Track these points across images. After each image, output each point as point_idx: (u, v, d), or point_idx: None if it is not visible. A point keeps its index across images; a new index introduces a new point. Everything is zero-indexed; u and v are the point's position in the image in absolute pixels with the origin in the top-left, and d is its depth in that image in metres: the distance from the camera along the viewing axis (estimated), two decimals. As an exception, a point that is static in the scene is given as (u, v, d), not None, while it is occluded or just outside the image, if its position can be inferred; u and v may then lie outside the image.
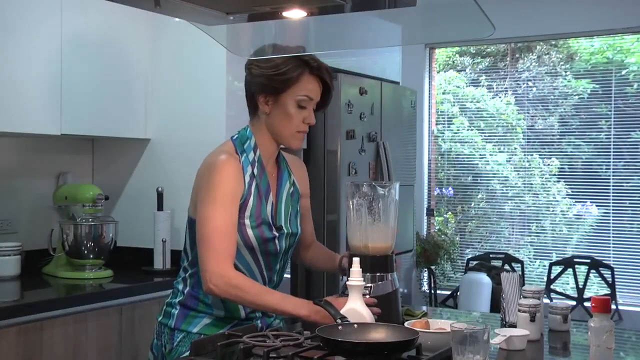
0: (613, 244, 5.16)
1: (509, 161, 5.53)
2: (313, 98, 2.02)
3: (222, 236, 1.91)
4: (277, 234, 2.04)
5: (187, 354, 1.92)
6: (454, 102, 5.74)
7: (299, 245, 2.21)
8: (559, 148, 5.36)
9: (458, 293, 5.12)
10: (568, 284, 5.15)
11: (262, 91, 2.01)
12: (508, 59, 5.60)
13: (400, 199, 4.41)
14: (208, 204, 1.93)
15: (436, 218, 5.80)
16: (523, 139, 5.49)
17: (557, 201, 5.35)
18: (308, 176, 2.27)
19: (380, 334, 1.71)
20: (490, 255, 5.31)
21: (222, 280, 1.89)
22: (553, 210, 5.36)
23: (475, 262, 5.25)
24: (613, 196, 5.16)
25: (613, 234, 5.16)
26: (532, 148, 5.46)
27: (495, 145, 5.59)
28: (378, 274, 1.97)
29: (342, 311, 1.84)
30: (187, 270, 2.07)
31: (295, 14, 1.74)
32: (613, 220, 5.16)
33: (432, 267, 5.43)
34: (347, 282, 1.89)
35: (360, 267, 1.83)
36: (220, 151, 2.02)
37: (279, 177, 2.12)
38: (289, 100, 2.00)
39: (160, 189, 3.26)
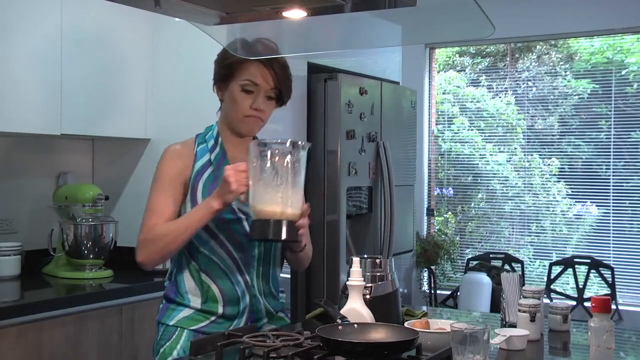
0: (613, 244, 5.15)
1: (509, 161, 5.53)
2: (258, 83, 2.04)
3: (150, 213, 2.02)
4: (242, 216, 2.02)
5: (167, 344, 2.02)
6: (454, 102, 5.74)
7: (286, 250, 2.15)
8: (559, 148, 5.36)
9: (458, 293, 5.12)
10: (568, 284, 5.15)
11: (216, 80, 2.12)
12: (508, 59, 5.60)
13: (400, 199, 4.43)
14: (150, 190, 2.07)
15: (436, 218, 5.80)
16: (523, 139, 5.49)
17: (557, 201, 5.35)
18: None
19: (380, 334, 1.71)
20: (490, 255, 5.31)
21: (140, 244, 2.00)
22: (553, 210, 5.36)
23: (475, 262, 5.25)
24: (613, 196, 5.16)
25: (613, 234, 5.16)
26: (532, 148, 5.46)
27: (495, 145, 5.59)
28: (270, 240, 1.90)
29: (342, 311, 1.85)
30: (171, 270, 2.13)
31: (295, 14, 1.74)
32: (613, 220, 5.16)
33: (432, 267, 5.43)
34: (347, 282, 1.90)
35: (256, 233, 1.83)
36: (174, 147, 2.11)
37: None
38: (235, 86, 2.05)
39: (160, 189, 3.25)
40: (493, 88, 5.62)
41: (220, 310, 2.03)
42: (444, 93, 5.79)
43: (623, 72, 5.12)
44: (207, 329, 2.02)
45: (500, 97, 5.57)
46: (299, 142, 1.82)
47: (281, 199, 1.80)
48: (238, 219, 2.03)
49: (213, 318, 2.03)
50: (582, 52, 5.33)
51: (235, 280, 2.04)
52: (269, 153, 1.80)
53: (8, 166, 3.21)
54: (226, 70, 2.07)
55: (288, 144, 1.81)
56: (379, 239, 4.06)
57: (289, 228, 1.81)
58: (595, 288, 5.05)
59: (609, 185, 5.17)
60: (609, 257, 5.12)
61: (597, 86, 5.22)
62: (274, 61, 2.05)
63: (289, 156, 1.80)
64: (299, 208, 1.85)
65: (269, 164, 1.80)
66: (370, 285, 1.96)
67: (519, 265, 5.18)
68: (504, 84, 5.59)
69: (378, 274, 2.00)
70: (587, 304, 4.76)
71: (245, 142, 2.06)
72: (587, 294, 4.91)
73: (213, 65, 2.13)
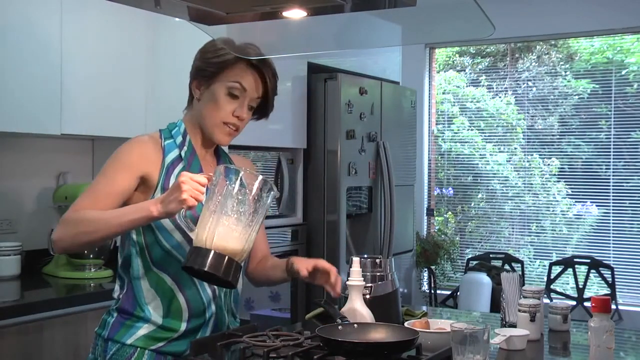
0: (613, 244, 5.15)
1: (509, 161, 5.53)
2: (246, 88, 1.88)
3: (87, 194, 1.81)
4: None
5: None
6: (454, 102, 5.74)
7: (247, 261, 2.03)
8: (559, 148, 5.36)
9: (458, 293, 5.12)
10: (568, 284, 5.15)
11: (196, 76, 1.92)
12: (508, 59, 5.60)
13: (400, 199, 4.43)
14: (100, 171, 1.85)
15: (436, 218, 5.80)
16: (523, 139, 5.49)
17: (557, 201, 5.35)
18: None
19: (380, 334, 1.71)
20: (490, 255, 5.31)
21: (61, 221, 1.79)
22: (553, 210, 5.36)
23: (475, 262, 5.25)
24: (613, 196, 5.16)
25: (613, 234, 5.16)
26: (532, 148, 5.46)
27: (495, 145, 5.59)
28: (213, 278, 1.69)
29: (342, 311, 1.85)
30: (121, 276, 1.92)
31: (295, 14, 1.74)
32: (613, 220, 5.16)
33: (432, 267, 5.43)
34: (347, 282, 1.90)
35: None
36: (136, 137, 1.92)
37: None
38: (220, 87, 1.88)
39: (160, 189, 3.25)
40: (493, 88, 5.62)
41: (183, 326, 1.83)
42: (444, 93, 5.79)
43: (623, 72, 5.12)
44: (167, 349, 1.82)
45: (500, 97, 5.57)
46: (271, 182, 1.69)
47: (234, 233, 1.64)
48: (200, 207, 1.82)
49: (174, 335, 1.83)
50: (582, 52, 5.33)
51: (202, 287, 1.85)
52: (237, 183, 1.65)
53: (8, 166, 3.21)
54: (213, 67, 1.88)
55: (259, 179, 1.67)
56: (379, 239, 4.06)
57: (235, 268, 1.64)
58: (595, 288, 5.05)
59: (609, 185, 5.17)
60: (609, 257, 5.12)
61: (597, 86, 5.22)
62: (268, 68, 1.92)
63: (255, 191, 1.66)
64: (246, 247, 1.67)
65: (234, 193, 1.64)
66: (370, 285, 1.96)
67: (519, 265, 5.18)
68: (504, 84, 5.59)
69: (378, 274, 2.00)
70: (587, 304, 4.76)
71: (213, 146, 1.96)
72: (587, 294, 4.91)
73: (193, 62, 1.95)
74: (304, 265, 1.92)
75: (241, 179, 1.66)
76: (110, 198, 1.80)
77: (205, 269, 1.62)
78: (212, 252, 1.62)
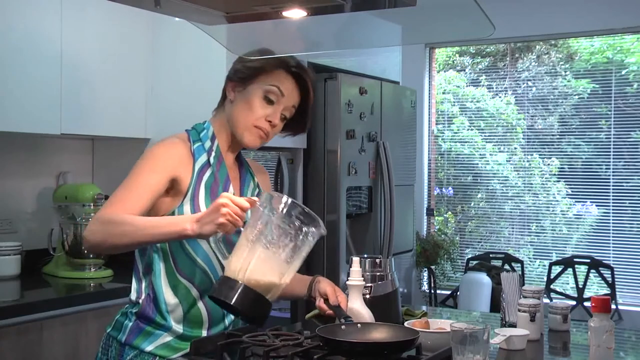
0: (613, 244, 5.15)
1: (509, 161, 5.53)
2: (284, 93, 1.87)
3: (118, 194, 1.74)
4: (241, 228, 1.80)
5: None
6: (454, 102, 5.74)
7: None
8: (559, 148, 5.36)
9: (458, 293, 5.12)
10: (568, 283, 5.15)
11: (233, 78, 1.90)
12: (508, 58, 5.60)
13: (400, 198, 4.43)
14: (133, 170, 1.79)
15: (436, 218, 5.80)
16: (523, 138, 5.49)
17: (557, 201, 5.35)
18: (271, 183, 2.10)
19: (380, 334, 1.71)
20: (490, 255, 5.31)
21: (97, 220, 1.71)
22: (553, 210, 5.36)
23: (475, 262, 5.25)
24: (613, 196, 5.16)
25: (613, 234, 5.16)
26: (532, 148, 5.46)
27: (495, 145, 5.59)
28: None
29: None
30: (140, 280, 1.87)
31: (295, 14, 1.74)
32: (613, 220, 5.16)
33: (432, 267, 5.43)
34: (347, 282, 1.90)
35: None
36: (166, 138, 1.88)
37: (241, 174, 1.96)
38: (256, 89, 1.86)
39: (160, 188, 3.25)
40: (493, 88, 5.62)
41: (203, 334, 1.82)
42: (443, 93, 5.79)
43: (623, 72, 5.12)
44: None
45: (500, 97, 5.57)
46: (319, 220, 1.58)
47: (270, 268, 1.54)
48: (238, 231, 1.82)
49: None
50: (582, 52, 5.33)
51: None
52: (282, 213, 1.54)
53: (8, 166, 3.21)
54: (251, 70, 1.86)
55: (307, 214, 1.56)
56: (379, 239, 4.06)
57: (263, 305, 1.56)
58: (595, 288, 5.05)
59: (609, 185, 5.17)
60: (609, 257, 5.12)
61: (597, 86, 5.22)
62: (308, 78, 1.91)
63: (300, 226, 1.55)
64: (282, 283, 1.58)
65: (277, 224, 1.54)
66: (370, 285, 1.96)
67: (519, 265, 5.18)
68: (504, 84, 5.59)
69: (378, 273, 2.00)
70: (587, 303, 4.76)
71: (237, 151, 1.95)
72: (587, 293, 4.91)
73: (232, 65, 1.94)
74: (326, 288, 1.91)
75: (288, 210, 1.56)
76: (142, 200, 1.74)
77: (231, 303, 1.53)
78: (242, 285, 1.53)
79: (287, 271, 1.58)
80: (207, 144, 1.88)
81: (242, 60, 1.91)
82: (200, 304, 1.82)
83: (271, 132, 1.89)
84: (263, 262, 1.54)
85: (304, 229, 1.56)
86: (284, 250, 1.55)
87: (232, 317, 1.85)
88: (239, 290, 1.53)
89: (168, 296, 1.81)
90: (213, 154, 1.87)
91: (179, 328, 1.81)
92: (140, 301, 1.83)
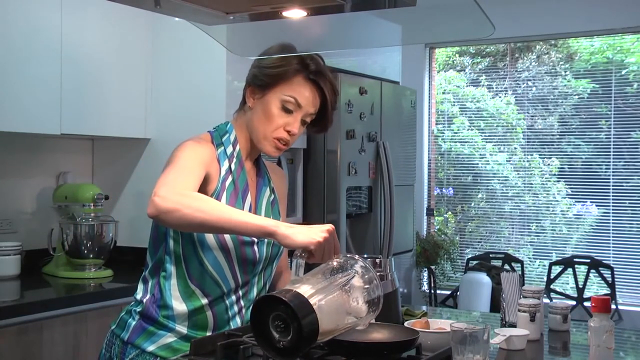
0: (613, 244, 5.16)
1: (509, 161, 5.53)
2: (301, 104, 1.83)
3: (173, 174, 1.67)
4: (256, 239, 1.80)
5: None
6: (454, 102, 5.74)
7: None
8: (559, 148, 5.36)
9: (458, 293, 5.12)
10: (568, 283, 5.15)
11: (252, 83, 1.86)
12: (508, 58, 5.60)
13: (400, 198, 4.43)
14: (165, 169, 1.72)
15: (436, 218, 5.80)
16: (523, 138, 5.49)
17: (557, 201, 5.35)
18: (287, 185, 2.09)
19: (380, 334, 1.71)
20: (490, 255, 5.31)
21: (167, 188, 1.63)
22: (553, 210, 5.36)
23: (475, 262, 5.25)
24: (613, 196, 5.16)
25: (613, 234, 5.16)
26: (532, 148, 5.46)
27: (495, 145, 5.59)
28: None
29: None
30: (147, 280, 1.86)
31: (295, 14, 1.74)
32: (613, 220, 5.16)
33: (432, 267, 5.43)
34: (347, 282, 1.89)
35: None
36: (193, 137, 1.85)
37: (258, 180, 1.93)
38: (273, 99, 1.82)
39: (160, 188, 3.25)
40: (493, 88, 5.62)
41: (209, 333, 1.80)
42: (443, 93, 5.79)
43: (623, 72, 5.13)
44: None
45: (500, 97, 5.58)
46: (380, 306, 1.56)
47: (327, 311, 1.45)
48: (252, 241, 1.80)
49: None
50: (582, 52, 5.33)
51: (230, 304, 1.83)
52: (360, 283, 1.53)
53: (8, 166, 3.21)
54: (270, 79, 1.82)
55: (376, 298, 1.55)
56: (378, 239, 4.06)
57: (311, 330, 1.41)
58: (595, 288, 5.05)
59: (609, 185, 5.17)
60: (609, 257, 5.12)
61: (597, 86, 5.22)
62: (327, 83, 1.86)
63: (365, 301, 1.53)
64: (326, 330, 1.46)
65: (350, 286, 1.52)
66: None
67: (519, 265, 5.18)
68: (504, 84, 5.59)
69: (378, 273, 2.00)
70: (587, 303, 4.76)
71: (257, 155, 1.92)
72: (587, 293, 4.91)
73: (252, 65, 1.90)
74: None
75: (369, 286, 1.55)
76: (193, 184, 1.68)
77: (286, 299, 1.40)
78: (314, 315, 1.42)
79: (336, 326, 1.51)
80: (229, 149, 1.85)
81: (260, 64, 1.86)
82: (208, 311, 1.81)
83: (291, 140, 1.86)
84: (324, 302, 1.47)
85: (365, 307, 1.55)
86: (343, 305, 1.52)
87: (238, 322, 1.84)
88: (312, 315, 1.42)
89: (175, 298, 1.80)
90: (234, 160, 1.85)
91: (182, 329, 1.80)
92: (145, 301, 1.82)
